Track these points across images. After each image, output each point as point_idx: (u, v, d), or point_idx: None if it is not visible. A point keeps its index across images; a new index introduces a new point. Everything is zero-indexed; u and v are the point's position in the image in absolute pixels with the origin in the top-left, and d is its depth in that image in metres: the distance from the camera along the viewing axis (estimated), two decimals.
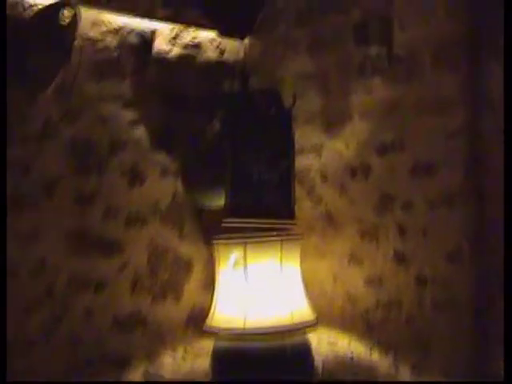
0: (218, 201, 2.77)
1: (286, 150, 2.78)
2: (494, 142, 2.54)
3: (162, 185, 2.82)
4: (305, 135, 2.96)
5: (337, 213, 2.92)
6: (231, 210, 2.69)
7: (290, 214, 2.75)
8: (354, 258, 2.87)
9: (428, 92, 2.69)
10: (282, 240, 2.62)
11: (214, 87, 2.96)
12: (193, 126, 2.88)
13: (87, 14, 2.58)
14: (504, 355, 2.06)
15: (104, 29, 2.66)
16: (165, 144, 2.81)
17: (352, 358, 2.80)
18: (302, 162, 2.95)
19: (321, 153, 2.96)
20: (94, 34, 2.63)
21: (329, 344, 2.89)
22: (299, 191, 2.90)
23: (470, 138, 2.59)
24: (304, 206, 2.95)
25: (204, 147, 2.87)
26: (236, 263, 2.60)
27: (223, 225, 2.67)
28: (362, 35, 2.85)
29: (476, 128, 2.60)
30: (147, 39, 2.77)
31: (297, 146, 2.84)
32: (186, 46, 2.89)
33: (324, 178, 2.96)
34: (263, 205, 2.72)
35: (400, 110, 2.75)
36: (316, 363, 2.75)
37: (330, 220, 2.94)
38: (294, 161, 2.79)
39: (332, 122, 2.93)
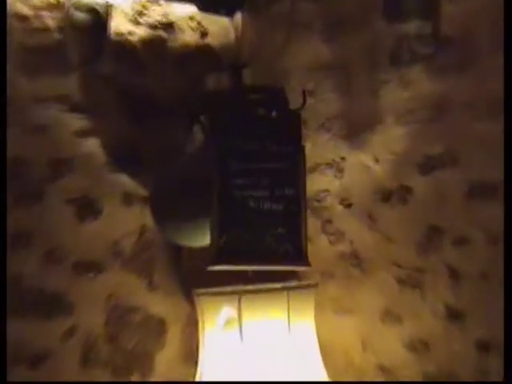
0: (202, 239, 2.56)
1: (293, 167, 2.60)
2: None
3: (125, 218, 2.68)
4: (319, 147, 2.88)
5: (365, 252, 2.86)
6: (220, 251, 2.48)
7: (300, 256, 2.57)
8: (391, 315, 2.80)
9: (488, 86, 2.63)
10: (288, 291, 2.57)
11: (193, 83, 2.80)
12: (165, 136, 2.74)
13: None
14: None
15: (38, 1, 2.53)
16: (127, 162, 2.68)
17: None
18: (317, 183, 2.87)
19: (342, 170, 2.88)
20: (24, 9, 2.50)
21: None
22: (313, 223, 2.81)
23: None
24: (319, 244, 2.87)
25: (182, 165, 2.69)
26: (228, 323, 2.52)
27: (209, 271, 2.51)
28: (395, 9, 2.77)
29: None
30: (101, 17, 2.62)
31: (309, 162, 2.69)
32: (154, 26, 2.73)
33: (346, 204, 2.89)
34: (263, 244, 2.52)
35: (450, 111, 2.71)
36: None
37: (356, 262, 2.86)
38: (304, 182, 2.62)
39: (356, 129, 2.85)
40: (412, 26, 2.74)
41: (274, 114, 2.64)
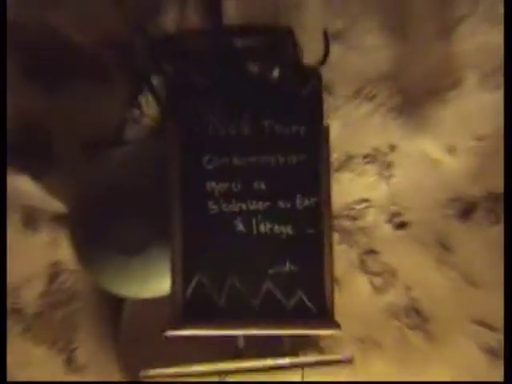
0: (156, 284, 2.22)
1: (309, 162, 2.18)
2: None
3: (27, 250, 2.34)
4: (353, 127, 2.54)
5: (432, 306, 2.54)
6: (186, 305, 2.10)
7: (323, 312, 2.19)
8: None
9: None
10: (303, 370, 2.21)
11: (137, 20, 2.37)
12: (92, 112, 2.36)
13: None
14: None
15: None
16: (30, 157, 2.28)
17: None
18: (350, 188, 2.57)
19: (391, 166, 2.52)
20: None
21: None
22: (344, 256, 2.51)
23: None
24: (356, 292, 2.57)
25: (118, 162, 2.22)
26: None
27: (169, 337, 2.12)
28: None
29: None
30: None
31: (336, 154, 2.43)
32: None
33: (400, 224, 2.55)
34: (260, 292, 2.14)
35: None
36: None
37: (418, 323, 2.51)
38: (329, 187, 2.25)
39: (416, 97, 2.49)
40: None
41: (275, 73, 2.29)
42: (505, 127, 2.10)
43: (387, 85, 2.53)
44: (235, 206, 2.20)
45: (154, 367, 2.22)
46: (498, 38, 2.42)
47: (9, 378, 2.51)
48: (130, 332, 2.45)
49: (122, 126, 2.36)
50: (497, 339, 2.56)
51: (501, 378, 2.46)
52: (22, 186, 2.39)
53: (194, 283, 2.13)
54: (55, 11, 2.42)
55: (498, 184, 2.51)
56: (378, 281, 2.54)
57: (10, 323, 2.59)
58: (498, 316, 2.59)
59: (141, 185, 2.17)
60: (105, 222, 2.27)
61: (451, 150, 2.39)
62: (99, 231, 2.27)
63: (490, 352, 2.43)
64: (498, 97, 2.48)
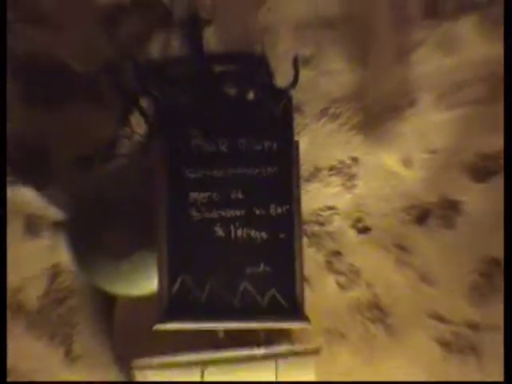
0: (144, 283, 2.36)
1: (281, 174, 2.32)
2: None
3: (29, 254, 2.47)
4: (321, 143, 2.68)
5: (392, 301, 2.63)
6: (172, 301, 2.24)
7: (294, 307, 2.32)
8: None
9: None
10: (277, 359, 2.38)
11: (128, 49, 2.49)
12: (86, 131, 2.48)
13: None
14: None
15: None
16: (31, 170, 2.42)
17: None
18: (317, 197, 2.70)
19: (354, 177, 2.67)
20: None
21: None
22: (312, 258, 2.63)
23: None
24: (323, 289, 2.69)
25: (111, 174, 2.41)
26: None
27: (156, 331, 2.25)
28: None
29: None
30: None
31: (305, 166, 2.56)
32: None
33: (363, 230, 2.67)
34: (237, 290, 2.27)
35: None
36: None
37: (379, 317, 2.61)
38: (299, 196, 2.36)
39: (376, 115, 2.61)
40: None
41: (250, 95, 2.44)
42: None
43: (350, 105, 2.61)
44: (215, 214, 2.32)
45: (143, 357, 2.36)
46: (450, 61, 2.49)
47: (13, 369, 2.52)
48: (122, 326, 2.52)
49: (114, 142, 2.49)
50: (450, 331, 2.53)
51: (455, 369, 2.59)
52: (25, 196, 2.40)
53: (178, 283, 2.23)
54: (55, 41, 2.40)
55: (449, 192, 2.58)
56: (343, 279, 2.65)
57: (14, 319, 2.47)
58: (451, 310, 2.60)
59: (130, 195, 2.31)
60: (98, 229, 2.36)
61: (407, 163, 2.50)
62: (93, 237, 2.38)
63: (445, 345, 2.51)
64: (449, 115, 2.47)
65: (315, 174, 2.62)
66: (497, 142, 2.55)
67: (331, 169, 2.62)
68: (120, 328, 2.53)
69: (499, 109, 2.46)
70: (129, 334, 2.55)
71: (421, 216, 2.55)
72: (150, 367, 2.42)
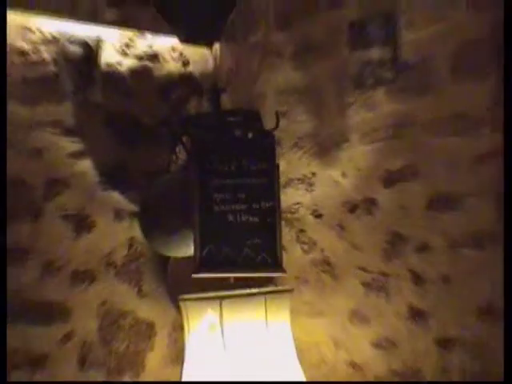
0: (186, 250, 2.70)
1: (269, 183, 2.70)
2: None
3: (116, 231, 2.77)
4: (292, 164, 2.96)
5: (335, 259, 2.89)
6: (202, 260, 2.60)
7: (276, 264, 2.68)
8: (359, 316, 2.82)
9: (446, 107, 2.62)
10: (266, 295, 2.60)
11: (176, 108, 2.94)
12: (151, 157, 2.86)
13: (14, 19, 2.53)
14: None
15: (36, 37, 2.62)
16: (118, 180, 2.78)
17: None
18: (290, 196, 2.95)
19: (312, 184, 2.94)
20: (23, 44, 2.59)
21: None
22: (287, 234, 2.92)
23: (504, 163, 2.34)
24: (294, 253, 2.95)
25: (166, 183, 2.82)
26: (211, 326, 2.55)
27: (193, 278, 2.59)
28: (359, 37, 2.82)
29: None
30: (92, 49, 2.73)
31: (283, 178, 2.81)
32: (140, 57, 2.85)
33: (317, 216, 2.93)
34: (242, 253, 2.63)
35: (411, 130, 2.70)
36: None
37: (327, 269, 2.91)
38: (279, 196, 2.72)
39: (326, 147, 2.90)
40: (374, 53, 2.77)
41: (250, 134, 2.74)
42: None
43: (310, 141, 2.91)
44: (228, 207, 2.62)
45: (184, 294, 2.61)
46: (370, 115, 2.77)
47: (107, 302, 2.73)
48: (173, 276, 2.86)
49: (168, 164, 2.83)
50: (370, 277, 2.74)
51: (372, 300, 2.79)
52: (114, 197, 2.74)
53: (206, 249, 2.57)
54: (131, 100, 2.83)
55: (369, 193, 2.78)
56: (305, 247, 2.94)
57: (107, 271, 2.72)
58: (370, 264, 2.78)
59: (178, 195, 2.71)
60: (158, 215, 2.74)
61: (344, 176, 2.82)
62: (155, 220, 2.75)
63: (367, 285, 2.76)
64: (369, 147, 2.75)
65: (289, 183, 2.94)
66: (398, 164, 2.69)
67: (299, 179, 2.95)
68: (172, 277, 2.87)
69: (400, 144, 2.70)
70: (177, 280, 2.84)
71: (352, 208, 2.81)
72: (190, 300, 2.59)
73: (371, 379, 2.78)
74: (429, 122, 2.66)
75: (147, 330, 2.78)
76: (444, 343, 2.62)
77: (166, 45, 2.92)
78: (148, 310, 2.79)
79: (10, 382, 2.30)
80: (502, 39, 2.38)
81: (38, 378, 2.54)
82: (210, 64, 3.03)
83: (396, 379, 2.71)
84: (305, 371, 2.60)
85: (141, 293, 2.79)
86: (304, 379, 2.59)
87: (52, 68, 2.63)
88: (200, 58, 3.01)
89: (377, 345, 2.76)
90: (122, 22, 2.77)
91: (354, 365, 2.81)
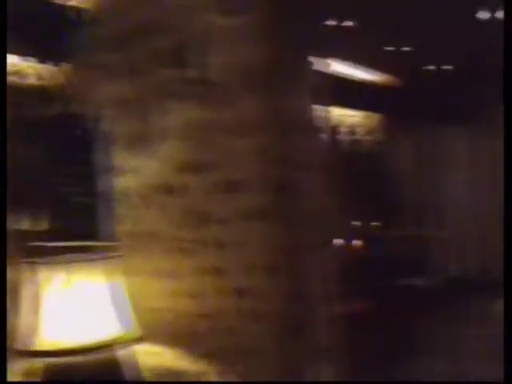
0: (41, 223, 3.08)
1: (104, 172, 3.20)
2: (300, 163, 3.17)
3: None
4: (124, 157, 3.31)
5: (158, 231, 3.28)
6: (53, 232, 3.04)
7: (111, 235, 3.17)
8: (176, 274, 3.20)
9: (236, 115, 3.12)
10: (104, 259, 2.90)
11: (33, 112, 3.22)
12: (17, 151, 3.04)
13: None
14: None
15: None
16: None
17: None
18: (122, 182, 3.31)
19: (139, 173, 3.30)
20: None
21: (155, 356, 3.19)
22: (120, 211, 3.31)
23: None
24: (125, 227, 3.32)
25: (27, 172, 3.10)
26: (61, 285, 2.78)
27: (46, 247, 2.95)
28: (179, 59, 3.22)
29: (282, 148, 3.12)
30: None
31: (117, 168, 3.26)
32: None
33: (143, 197, 3.29)
34: (84, 226, 3.13)
35: (213, 132, 3.16)
36: (142, 376, 3.10)
37: (152, 238, 3.28)
38: (112, 182, 3.18)
39: (150, 144, 3.27)
40: (189, 73, 3.18)
41: (88, 134, 3.21)
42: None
43: (137, 140, 3.27)
44: (72, 190, 3.15)
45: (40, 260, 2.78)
46: (183, 120, 3.16)
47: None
48: (29, 243, 2.97)
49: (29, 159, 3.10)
50: (184, 244, 3.15)
51: (191, 266, 3.15)
52: None
53: (57, 221, 3.07)
54: None
55: (182, 178, 3.17)
56: (133, 220, 3.33)
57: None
58: (184, 233, 3.16)
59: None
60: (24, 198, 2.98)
61: (163, 164, 3.25)
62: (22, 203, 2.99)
63: (179, 249, 3.17)
64: (182, 145, 3.15)
65: (121, 172, 3.35)
66: (204, 157, 3.14)
67: (129, 169, 3.32)
68: (29, 245, 2.99)
69: (199, 142, 3.15)
70: (33, 248, 2.99)
71: (169, 191, 3.27)
72: (45, 262, 2.78)
73: (187, 322, 3.16)
74: (225, 126, 3.16)
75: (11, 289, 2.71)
76: (239, 294, 3.12)
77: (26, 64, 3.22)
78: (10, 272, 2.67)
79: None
80: (277, 68, 3.10)
81: None
82: (60, 79, 3.34)
83: (204, 322, 3.15)
84: (136, 316, 2.94)
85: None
86: (135, 322, 2.90)
87: None
88: (51, 74, 3.33)
89: (189, 295, 3.18)
90: None
91: (173, 312, 3.22)
